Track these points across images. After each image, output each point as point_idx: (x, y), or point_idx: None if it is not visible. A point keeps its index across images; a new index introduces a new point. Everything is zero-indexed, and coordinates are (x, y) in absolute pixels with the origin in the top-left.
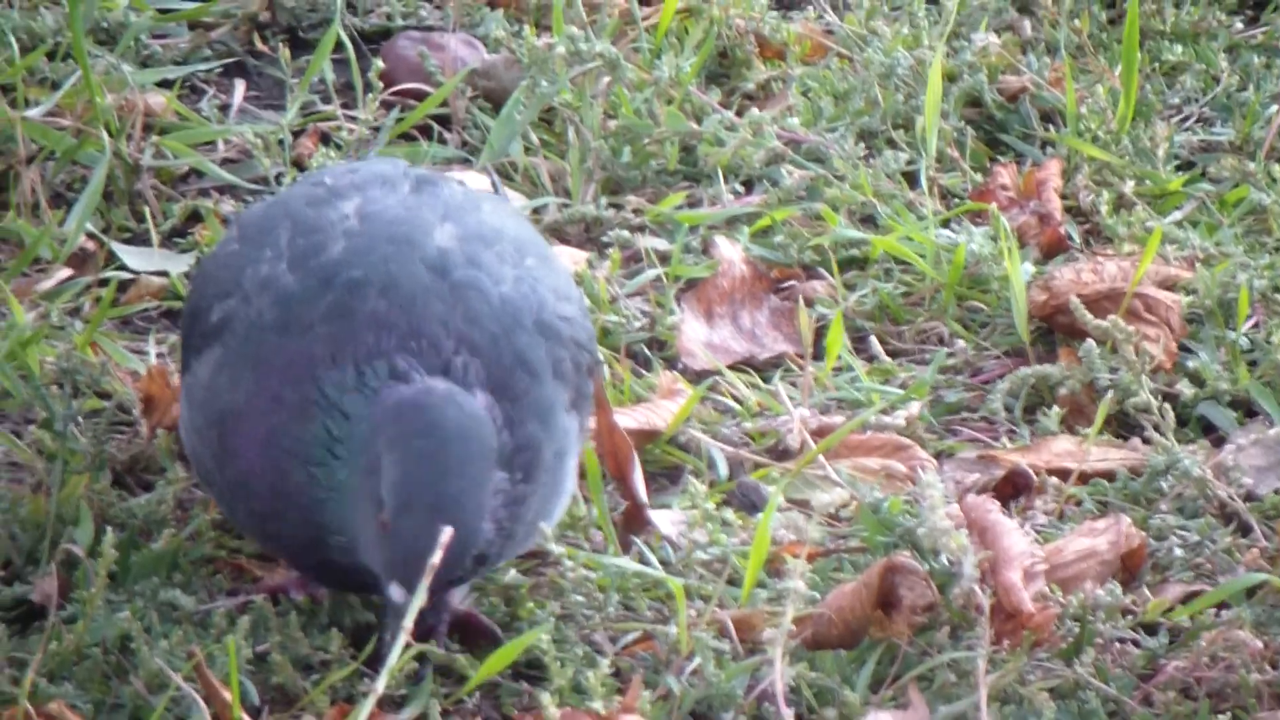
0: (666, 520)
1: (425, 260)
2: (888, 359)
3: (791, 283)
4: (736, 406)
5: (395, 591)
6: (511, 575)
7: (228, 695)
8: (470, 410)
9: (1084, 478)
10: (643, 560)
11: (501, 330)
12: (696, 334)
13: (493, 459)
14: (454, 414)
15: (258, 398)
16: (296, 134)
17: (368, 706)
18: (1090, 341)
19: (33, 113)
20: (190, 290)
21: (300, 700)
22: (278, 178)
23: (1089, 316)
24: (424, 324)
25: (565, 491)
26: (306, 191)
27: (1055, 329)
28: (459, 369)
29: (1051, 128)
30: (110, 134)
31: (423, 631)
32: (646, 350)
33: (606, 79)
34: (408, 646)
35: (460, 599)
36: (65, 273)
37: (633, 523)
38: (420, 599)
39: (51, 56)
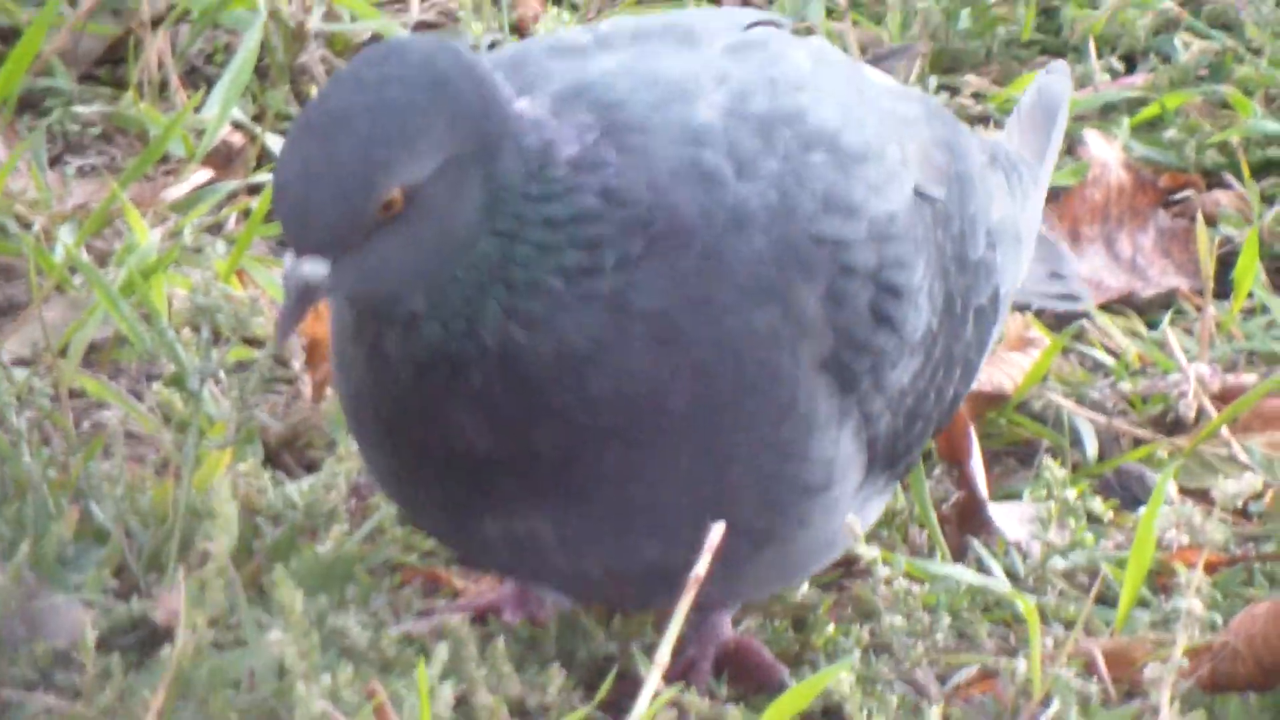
0: (1013, 517)
1: (667, 125)
2: None
3: (1187, 193)
4: (1110, 361)
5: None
6: (804, 590)
7: None
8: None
9: None
10: (982, 569)
11: (710, 237)
12: None
13: (465, 98)
14: (424, 53)
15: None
16: None
17: None
18: None
19: None
20: None
21: None
22: (491, 46)
23: None
24: None
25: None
26: (565, 37)
27: None
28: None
29: None
30: None
31: (680, 668)
32: None
33: None
34: (659, 692)
35: (729, 622)
36: (204, 175)
37: (967, 520)
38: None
39: None
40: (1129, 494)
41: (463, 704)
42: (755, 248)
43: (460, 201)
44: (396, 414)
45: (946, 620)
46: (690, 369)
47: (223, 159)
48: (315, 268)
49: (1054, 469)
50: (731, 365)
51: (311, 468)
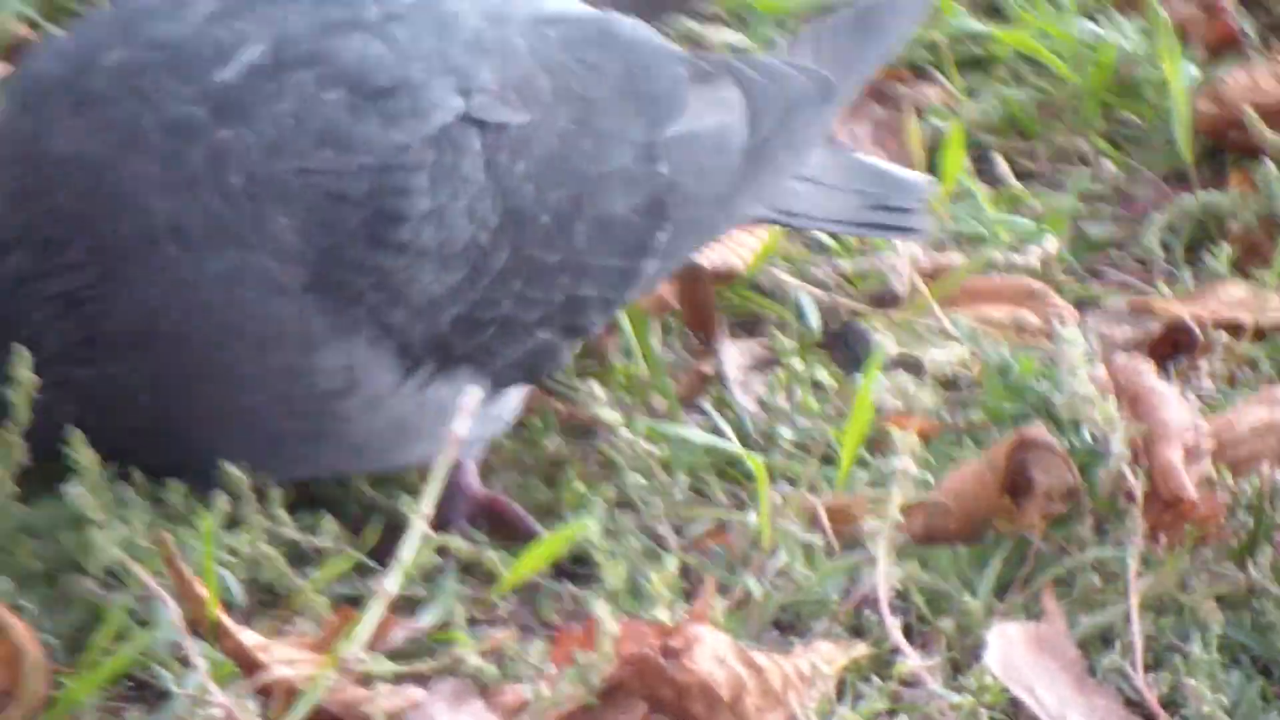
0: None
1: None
2: (1017, 183)
3: (898, 87)
4: (831, 242)
5: None
6: (555, 447)
7: (203, 591)
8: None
9: (1260, 334)
10: (716, 432)
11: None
12: None
13: None
14: None
15: None
16: None
17: (377, 610)
18: (1269, 163)
19: None
20: None
21: (292, 599)
22: None
23: (1267, 132)
24: None
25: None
26: None
27: (1225, 148)
28: None
29: None
30: None
31: (439, 520)
32: None
33: None
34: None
35: (477, 480)
36: None
37: (700, 387)
38: None
39: None
40: (853, 358)
41: (237, 554)
42: (228, 187)
43: None
44: None
45: (684, 478)
46: (141, 335)
47: None
48: None
49: (781, 339)
50: (188, 318)
51: None
